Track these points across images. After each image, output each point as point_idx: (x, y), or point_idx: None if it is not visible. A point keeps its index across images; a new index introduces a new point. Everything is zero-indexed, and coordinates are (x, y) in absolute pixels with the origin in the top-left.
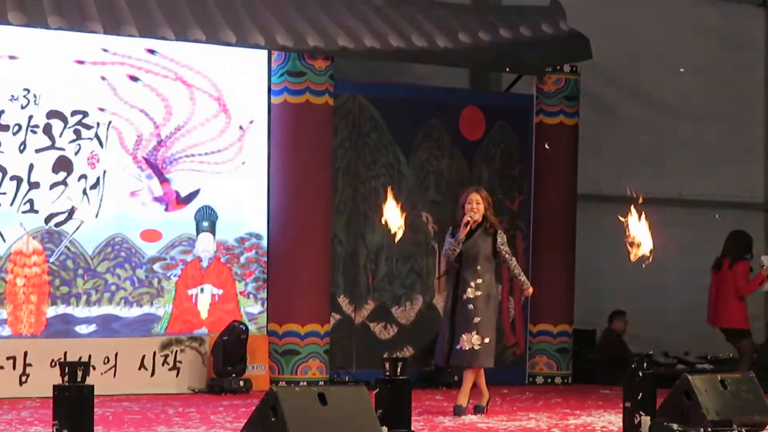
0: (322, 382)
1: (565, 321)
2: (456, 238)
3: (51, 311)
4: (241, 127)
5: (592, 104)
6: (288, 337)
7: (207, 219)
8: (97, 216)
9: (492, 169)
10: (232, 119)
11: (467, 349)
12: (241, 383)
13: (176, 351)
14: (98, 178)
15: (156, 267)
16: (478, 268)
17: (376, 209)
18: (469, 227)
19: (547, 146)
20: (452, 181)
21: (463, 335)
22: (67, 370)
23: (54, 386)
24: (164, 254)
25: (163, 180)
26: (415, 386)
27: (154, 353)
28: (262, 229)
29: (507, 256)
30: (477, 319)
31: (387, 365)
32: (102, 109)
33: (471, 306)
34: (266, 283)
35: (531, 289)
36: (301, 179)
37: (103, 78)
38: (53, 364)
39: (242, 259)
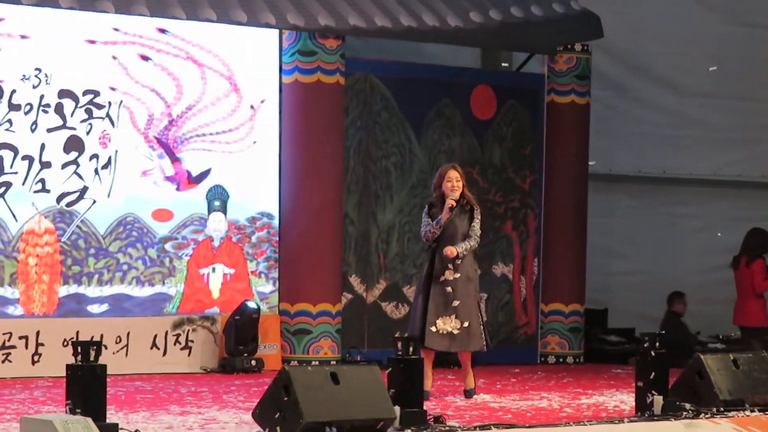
0: (334, 362)
1: (576, 300)
2: (437, 221)
3: (63, 291)
4: (252, 107)
5: (603, 83)
6: (300, 317)
7: (218, 198)
8: (108, 195)
9: (503, 148)
10: (243, 98)
11: (445, 333)
12: (253, 363)
13: (188, 330)
14: (110, 158)
15: (168, 246)
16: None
17: (387, 188)
18: (451, 210)
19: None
20: (464, 160)
21: (439, 319)
22: (79, 350)
23: (67, 366)
24: (176, 234)
25: (175, 159)
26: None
27: (166, 332)
28: (274, 209)
29: (472, 235)
30: (456, 303)
31: (399, 344)
32: (113, 89)
33: (449, 288)
34: (278, 263)
35: (452, 250)
36: (313, 158)
37: (115, 57)
38: (65, 343)
39: (254, 239)
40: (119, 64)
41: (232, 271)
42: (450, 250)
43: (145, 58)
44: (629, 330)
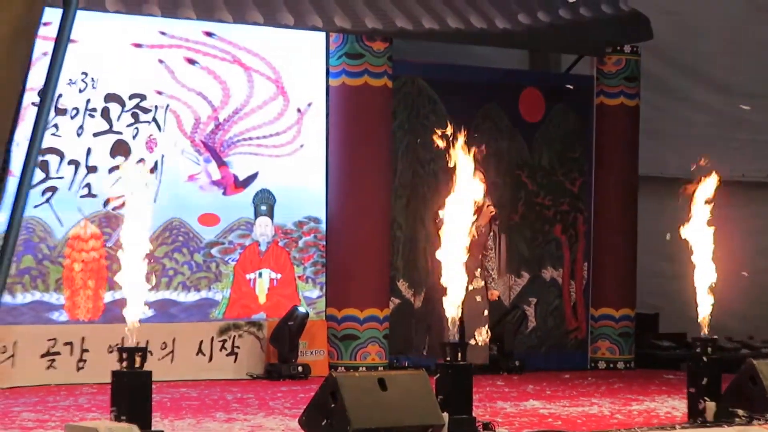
0: (382, 368)
1: (627, 305)
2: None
3: (108, 296)
4: (299, 110)
5: (653, 85)
6: (347, 322)
7: (265, 203)
8: (155, 200)
9: (552, 150)
10: (290, 102)
11: (482, 345)
12: (300, 369)
13: (234, 336)
14: (156, 162)
15: (214, 251)
16: (484, 255)
17: (436, 192)
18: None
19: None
20: (512, 163)
21: (476, 330)
22: (125, 356)
23: (112, 372)
24: (222, 238)
25: (221, 163)
26: (475, 371)
27: (212, 338)
28: (321, 213)
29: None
30: (486, 312)
31: (447, 350)
32: (160, 93)
33: (479, 298)
34: (325, 268)
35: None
36: (360, 162)
37: (161, 61)
38: (110, 350)
39: (300, 243)
40: (166, 67)
41: (279, 276)
42: (493, 294)
43: (191, 61)
44: (681, 335)
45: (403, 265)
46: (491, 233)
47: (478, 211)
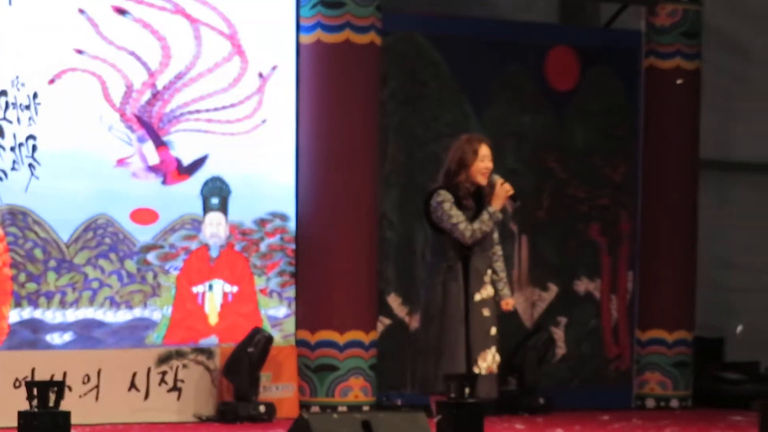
0: (368, 407)
1: (683, 326)
2: (492, 214)
3: (14, 315)
4: (261, 75)
5: (719, 43)
6: (323, 348)
7: (217, 195)
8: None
9: (588, 127)
10: (249, 64)
11: (487, 373)
12: (262, 408)
13: (177, 367)
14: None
15: (151, 257)
16: (492, 253)
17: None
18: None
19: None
20: (537, 143)
21: (480, 354)
22: (35, 392)
23: (19, 413)
24: (161, 241)
25: (160, 144)
26: (487, 411)
27: (149, 370)
28: (289, 208)
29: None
30: (494, 331)
31: (451, 385)
32: (80, 52)
33: (486, 311)
34: (294, 278)
35: (510, 301)
36: (340, 142)
37: (82, 11)
38: (17, 384)
39: (263, 247)
40: (87, 19)
41: (235, 289)
42: (507, 304)
43: (121, 11)
44: (752, 364)
45: (396, 275)
46: (497, 222)
47: (490, 192)
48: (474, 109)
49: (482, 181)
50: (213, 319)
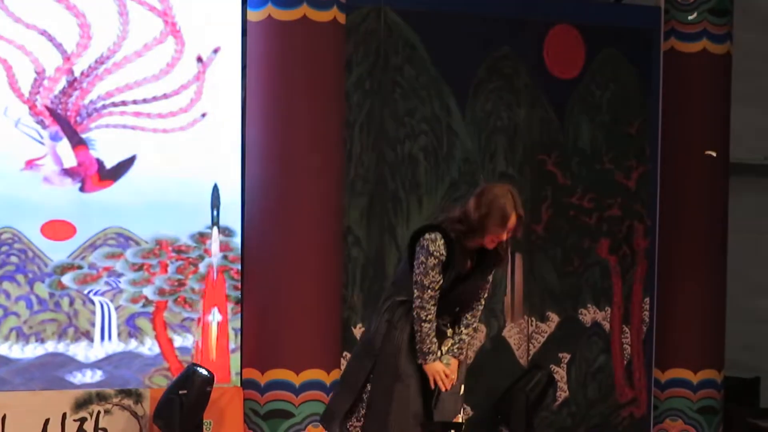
0: None
1: (710, 364)
2: (429, 350)
3: None
4: (200, 59)
5: (754, 22)
6: (274, 390)
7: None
8: None
9: (596, 124)
10: (185, 47)
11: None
12: None
13: (99, 412)
14: None
15: (66, 280)
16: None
17: (414, 188)
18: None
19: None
20: (533, 142)
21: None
22: None
23: None
24: (79, 260)
25: (78, 142)
26: None
27: (64, 415)
28: (234, 221)
29: (478, 307)
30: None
31: None
32: None
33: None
34: (240, 305)
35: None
36: (296, 141)
37: None
38: None
39: (202, 267)
40: None
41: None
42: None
43: None
44: None
45: (363, 301)
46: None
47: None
48: (457, 102)
49: (489, 246)
50: None
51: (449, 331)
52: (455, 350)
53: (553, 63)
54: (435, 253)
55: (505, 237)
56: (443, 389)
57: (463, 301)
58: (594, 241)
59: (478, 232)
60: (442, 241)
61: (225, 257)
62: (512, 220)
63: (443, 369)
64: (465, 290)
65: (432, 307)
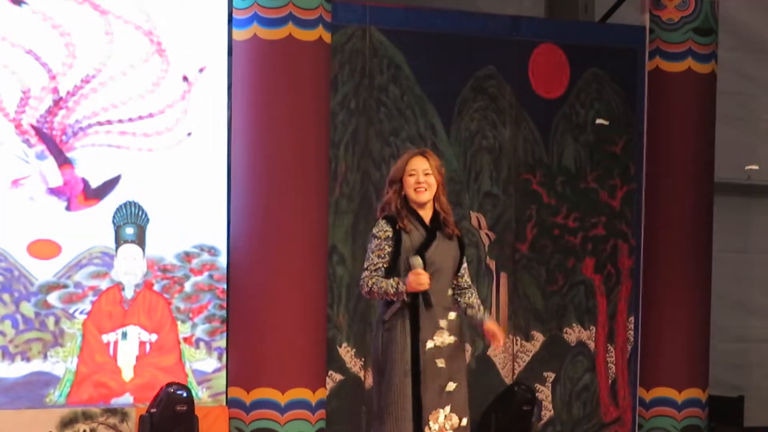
0: None
1: (695, 383)
2: (397, 288)
3: None
4: (185, 79)
5: (738, 41)
6: (260, 409)
7: (132, 223)
8: None
9: (580, 143)
10: (171, 66)
11: None
12: None
13: (84, 431)
14: None
15: (52, 299)
16: (449, 294)
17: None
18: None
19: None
20: (518, 162)
21: (431, 415)
22: None
23: None
24: (65, 278)
25: (64, 161)
26: None
27: None
28: (219, 240)
29: (466, 286)
30: (452, 386)
31: None
32: None
33: (441, 362)
34: (225, 325)
35: (500, 340)
36: (281, 161)
37: None
38: None
39: (188, 287)
40: None
41: (154, 337)
42: (497, 344)
43: (16, 1)
44: None
45: (348, 320)
46: (462, 252)
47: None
48: (442, 121)
49: (416, 195)
50: (127, 373)
51: (451, 314)
52: (471, 312)
53: (537, 82)
54: (378, 234)
55: (421, 178)
56: (428, 287)
57: (439, 268)
58: (579, 260)
59: (395, 184)
60: (384, 221)
61: (210, 276)
62: (416, 159)
63: (415, 273)
64: (437, 257)
65: (367, 286)
